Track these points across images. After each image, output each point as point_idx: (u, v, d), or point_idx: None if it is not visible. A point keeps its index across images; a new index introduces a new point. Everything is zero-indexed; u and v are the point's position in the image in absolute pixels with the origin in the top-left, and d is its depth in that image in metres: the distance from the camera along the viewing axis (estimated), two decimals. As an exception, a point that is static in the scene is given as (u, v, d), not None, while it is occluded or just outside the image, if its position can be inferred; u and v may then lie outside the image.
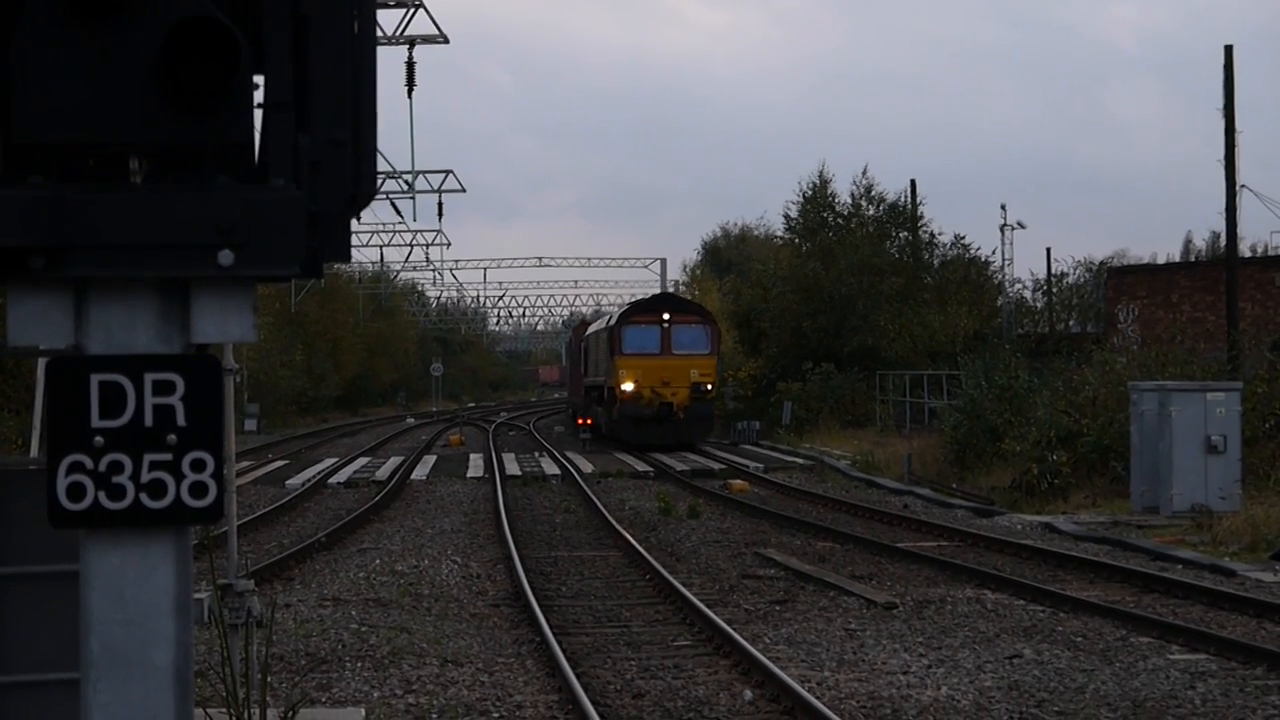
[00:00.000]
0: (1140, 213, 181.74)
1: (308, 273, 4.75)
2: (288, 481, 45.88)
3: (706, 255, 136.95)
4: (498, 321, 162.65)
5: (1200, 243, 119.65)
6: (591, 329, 73.68)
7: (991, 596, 23.73)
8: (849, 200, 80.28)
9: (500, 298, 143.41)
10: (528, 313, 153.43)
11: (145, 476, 4.54)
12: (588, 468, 50.82)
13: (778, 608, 23.17)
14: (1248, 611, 22.06)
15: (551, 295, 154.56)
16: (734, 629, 20.43)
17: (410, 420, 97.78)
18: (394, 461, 55.41)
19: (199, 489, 4.58)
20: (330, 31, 4.62)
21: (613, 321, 61.95)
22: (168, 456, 4.56)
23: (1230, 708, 16.22)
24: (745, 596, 24.30)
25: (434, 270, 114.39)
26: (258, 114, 4.73)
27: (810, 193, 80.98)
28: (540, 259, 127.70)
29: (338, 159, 4.64)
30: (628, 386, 58.56)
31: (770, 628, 21.40)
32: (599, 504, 37.65)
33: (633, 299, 74.32)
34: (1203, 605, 22.74)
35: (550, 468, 51.34)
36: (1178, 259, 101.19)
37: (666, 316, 59.69)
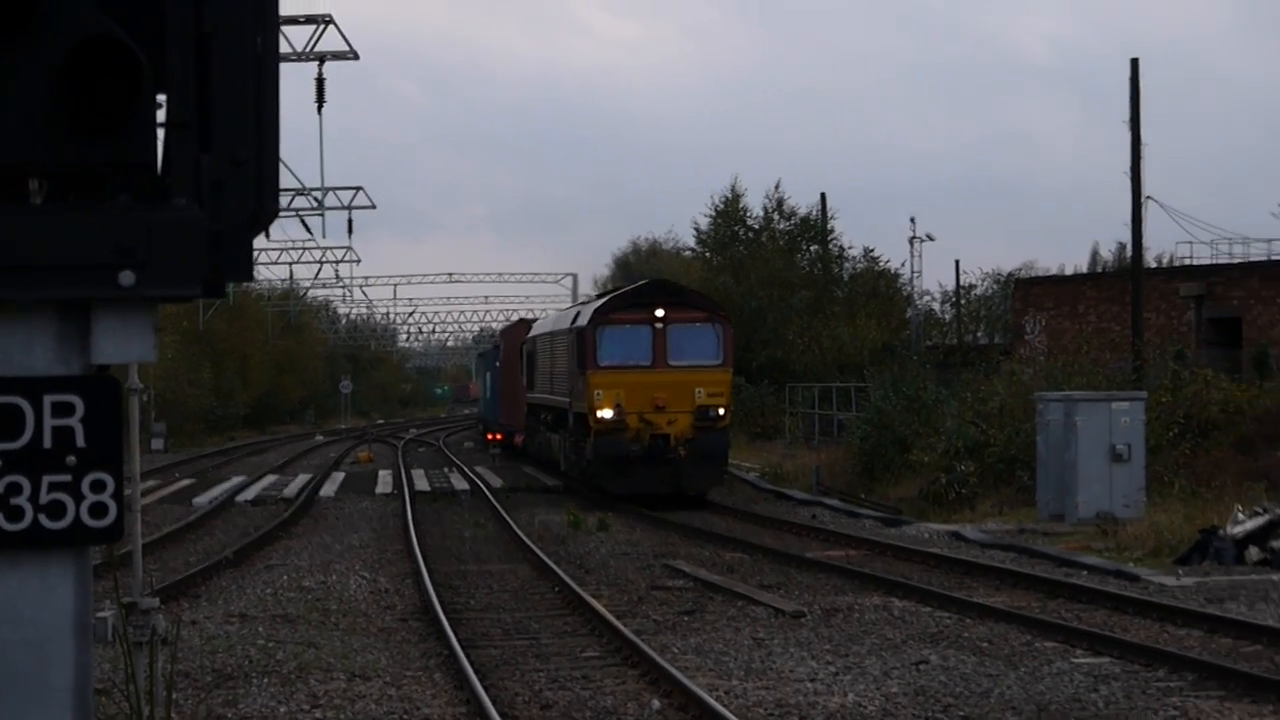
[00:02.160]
0: (1049, 224, 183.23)
1: (210, 292, 4.78)
2: (195, 500, 45.67)
3: (618, 270, 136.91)
4: (408, 338, 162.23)
5: (1107, 254, 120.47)
6: (540, 329, 54.72)
7: (899, 604, 23.97)
8: (760, 214, 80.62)
9: (411, 314, 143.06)
10: (438, 329, 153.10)
11: (44, 498, 4.53)
12: (497, 482, 50.82)
13: (686, 618, 23.33)
14: (1151, 615, 22.38)
15: (462, 311, 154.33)
16: (642, 639, 20.56)
17: (319, 438, 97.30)
18: (302, 479, 55.20)
19: (99, 509, 4.60)
20: (233, 49, 4.62)
21: (581, 320, 42.64)
22: (67, 478, 4.57)
23: (1133, 710, 16.48)
24: (654, 607, 24.45)
25: (344, 287, 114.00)
26: (160, 133, 4.78)
27: (722, 206, 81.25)
28: (451, 274, 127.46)
29: (240, 177, 4.66)
30: (605, 413, 40.32)
31: (679, 638, 21.55)
32: (508, 518, 37.71)
33: (610, 290, 50.64)
34: (1106, 610, 23.05)
35: (460, 483, 51.29)
36: (1085, 270, 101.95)
37: (660, 313, 40.84)
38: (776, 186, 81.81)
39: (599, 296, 48.99)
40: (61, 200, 4.56)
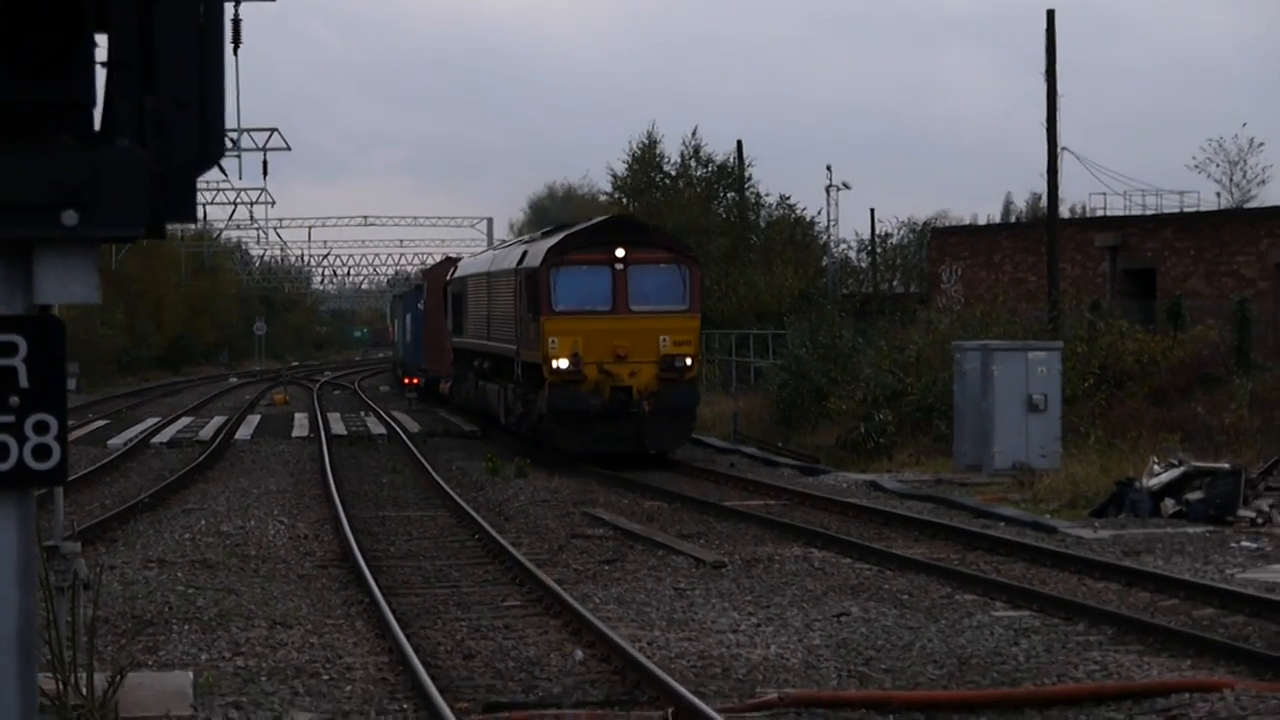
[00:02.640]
0: (963, 174, 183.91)
1: (152, 233, 4.69)
2: (109, 441, 45.35)
3: (533, 214, 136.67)
4: (322, 281, 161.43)
5: (1020, 204, 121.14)
6: (471, 268, 50.63)
7: (819, 554, 23.97)
8: (677, 161, 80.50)
9: (325, 256, 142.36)
10: (353, 272, 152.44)
11: (-15, 438, 4.46)
12: (414, 427, 50.62)
13: (607, 567, 23.26)
14: (1069, 568, 22.45)
15: (377, 254, 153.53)
16: (564, 589, 20.48)
17: (233, 379, 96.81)
18: (217, 421, 54.85)
19: (42, 451, 4.52)
20: None
21: (531, 259, 38.97)
22: (10, 419, 4.49)
23: (1053, 663, 16.52)
24: (574, 556, 24.37)
25: (258, 229, 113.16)
26: (101, 74, 4.66)
27: (639, 153, 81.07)
28: (366, 218, 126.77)
29: (183, 119, 4.58)
30: (561, 363, 36.72)
31: (600, 587, 21.48)
32: (426, 464, 37.56)
33: (563, 226, 43.81)
34: (1025, 562, 23.11)
35: (376, 427, 51.10)
36: (998, 220, 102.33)
37: (620, 253, 37.28)
38: (694, 134, 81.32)
39: (548, 233, 42.87)
40: (2, 140, 4.46)
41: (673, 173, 79.96)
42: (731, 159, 79.88)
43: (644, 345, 36.82)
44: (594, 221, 40.60)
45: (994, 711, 14.73)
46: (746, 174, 79.24)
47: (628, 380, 36.74)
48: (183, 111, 4.62)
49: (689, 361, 37.05)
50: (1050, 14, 49.38)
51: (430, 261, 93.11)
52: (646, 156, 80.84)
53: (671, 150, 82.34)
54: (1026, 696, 15.11)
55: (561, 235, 38.91)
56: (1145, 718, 14.42)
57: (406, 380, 70.65)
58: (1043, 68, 49.26)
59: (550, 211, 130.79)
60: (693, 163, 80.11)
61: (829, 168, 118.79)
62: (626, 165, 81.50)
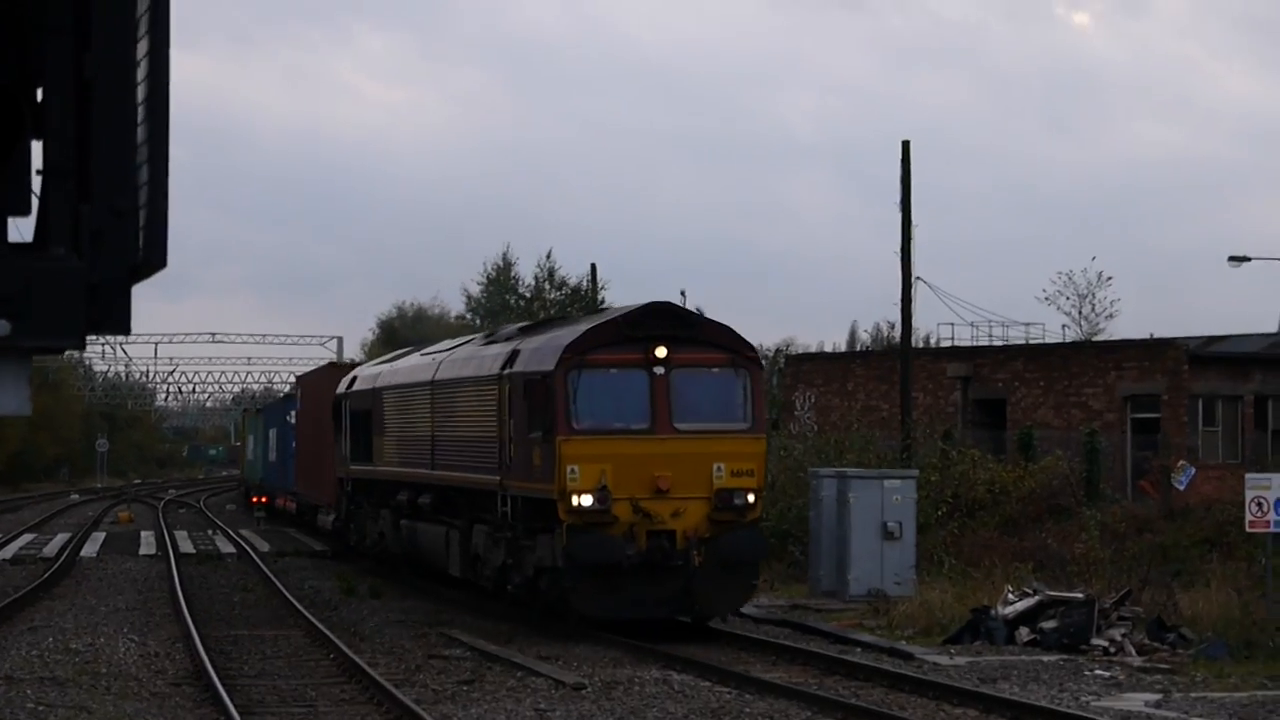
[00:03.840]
0: (810, 301, 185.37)
1: (81, 344, 4.69)
2: (-50, 557, 44.54)
3: (383, 334, 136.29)
4: (166, 397, 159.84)
5: (864, 333, 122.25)
6: (399, 376, 38.69)
7: (678, 677, 23.97)
8: (532, 283, 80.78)
9: (171, 373, 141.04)
10: (198, 389, 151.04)
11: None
12: (264, 546, 50.16)
13: (466, 687, 23.13)
14: (927, 694, 22.60)
15: (223, 372, 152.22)
16: (423, 709, 20.37)
17: (74, 496, 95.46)
18: (61, 538, 54.09)
19: None
20: (115, 96, 4.53)
21: (537, 360, 29.01)
22: None
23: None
24: (432, 676, 24.21)
25: (103, 345, 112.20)
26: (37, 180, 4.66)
27: (494, 274, 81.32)
28: (214, 335, 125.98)
29: (121, 228, 4.57)
30: (583, 499, 27.50)
31: (460, 708, 21.36)
32: (278, 583, 37.21)
33: (580, 317, 37.70)
34: (884, 687, 23.24)
35: (225, 546, 50.58)
36: (844, 348, 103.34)
37: (661, 352, 28.01)
38: (548, 256, 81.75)
39: (536, 326, 33.66)
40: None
41: (527, 295, 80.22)
42: (585, 281, 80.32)
43: (692, 476, 27.66)
44: (625, 310, 29.70)
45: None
46: (600, 297, 79.64)
47: (670, 522, 27.52)
48: (120, 220, 4.59)
49: (751, 498, 27.90)
50: (905, 144, 50.20)
51: (281, 379, 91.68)
52: (501, 279, 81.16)
53: (526, 273, 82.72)
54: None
55: (582, 329, 28.90)
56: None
57: (254, 499, 70.03)
58: (897, 198, 50.03)
59: (400, 331, 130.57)
60: (547, 285, 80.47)
61: (683, 293, 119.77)
62: (481, 286, 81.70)
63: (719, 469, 27.81)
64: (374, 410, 39.51)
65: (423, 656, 26.26)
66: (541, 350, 29.07)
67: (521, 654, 26.32)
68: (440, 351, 36.73)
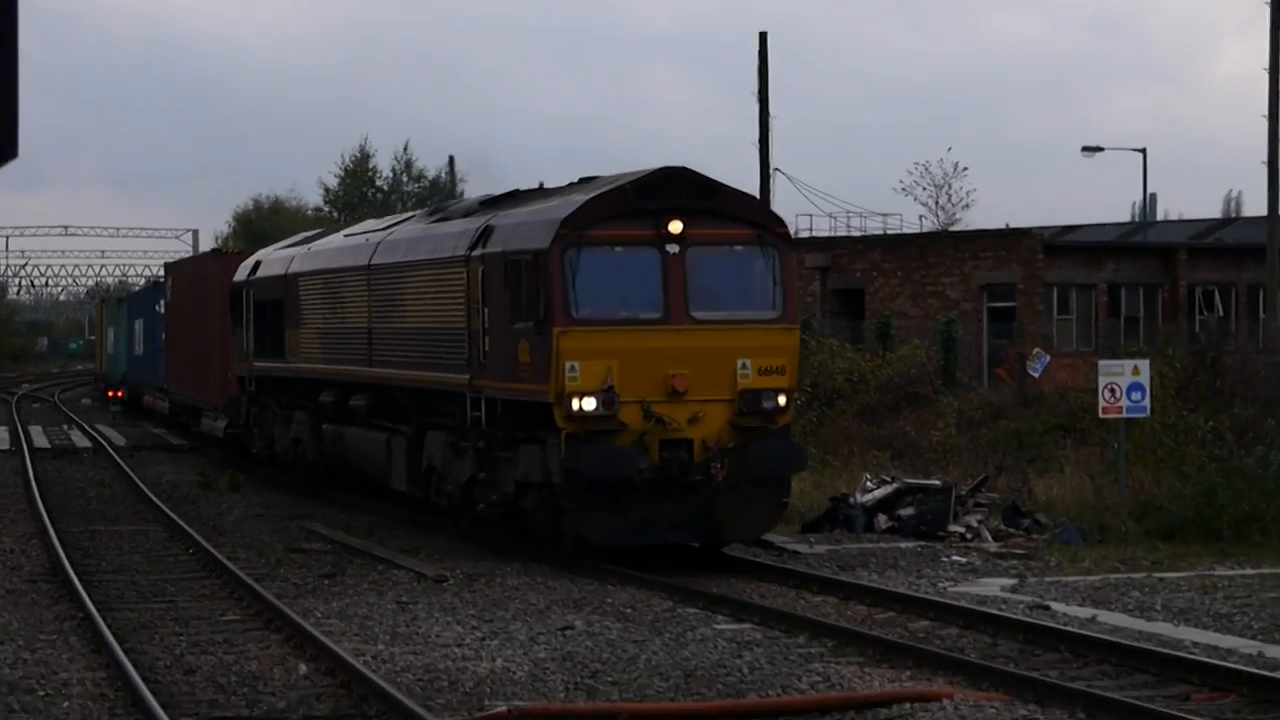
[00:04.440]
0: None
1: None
2: None
3: (239, 227, 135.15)
4: (19, 291, 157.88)
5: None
6: (323, 260, 33.71)
7: (540, 569, 24.03)
8: (390, 175, 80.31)
9: (23, 267, 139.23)
10: (51, 282, 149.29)
11: None
12: (120, 440, 49.74)
13: (327, 581, 23.09)
14: (788, 582, 22.80)
15: (76, 265, 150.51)
16: (284, 603, 20.31)
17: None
18: (-88, 434, 53.36)
19: None
20: None
21: (525, 237, 24.52)
22: None
23: (777, 675, 16.76)
24: (294, 570, 24.15)
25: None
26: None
27: (351, 166, 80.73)
28: (66, 228, 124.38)
29: None
30: (585, 403, 23.30)
31: (321, 601, 21.30)
32: (135, 477, 36.93)
33: (580, 182, 26.59)
34: (743, 577, 23.38)
35: (81, 440, 50.11)
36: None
37: (676, 227, 23.72)
38: (405, 148, 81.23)
39: (525, 194, 27.51)
40: None
41: (385, 187, 79.72)
42: (444, 174, 79.91)
43: (713, 374, 23.62)
44: (632, 176, 24.43)
45: (722, 722, 14.92)
46: (459, 189, 79.28)
47: (686, 430, 23.51)
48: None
49: (782, 400, 23.93)
50: (763, 36, 50.30)
51: (136, 272, 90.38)
52: (359, 170, 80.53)
53: (384, 165, 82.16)
54: (752, 708, 15.33)
55: (581, 199, 24.16)
56: (869, 727, 14.72)
57: (111, 394, 69.31)
58: (754, 88, 50.14)
59: (257, 224, 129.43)
60: (405, 178, 79.97)
61: (541, 184, 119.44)
62: (339, 179, 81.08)
63: (744, 366, 23.74)
64: (287, 299, 34.90)
65: (283, 550, 26.18)
66: (529, 225, 24.55)
67: (383, 547, 26.29)
68: (374, 231, 32.25)
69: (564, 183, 26.81)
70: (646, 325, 23.60)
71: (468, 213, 27.83)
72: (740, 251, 24.16)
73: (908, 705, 15.25)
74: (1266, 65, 47.16)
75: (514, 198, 27.27)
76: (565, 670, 17.05)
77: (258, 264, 38.06)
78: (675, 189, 23.86)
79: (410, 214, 33.36)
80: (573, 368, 23.19)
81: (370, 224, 34.95)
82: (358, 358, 30.72)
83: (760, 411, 23.67)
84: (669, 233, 23.60)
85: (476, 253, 25.44)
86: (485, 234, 25.53)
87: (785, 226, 24.89)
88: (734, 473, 23.44)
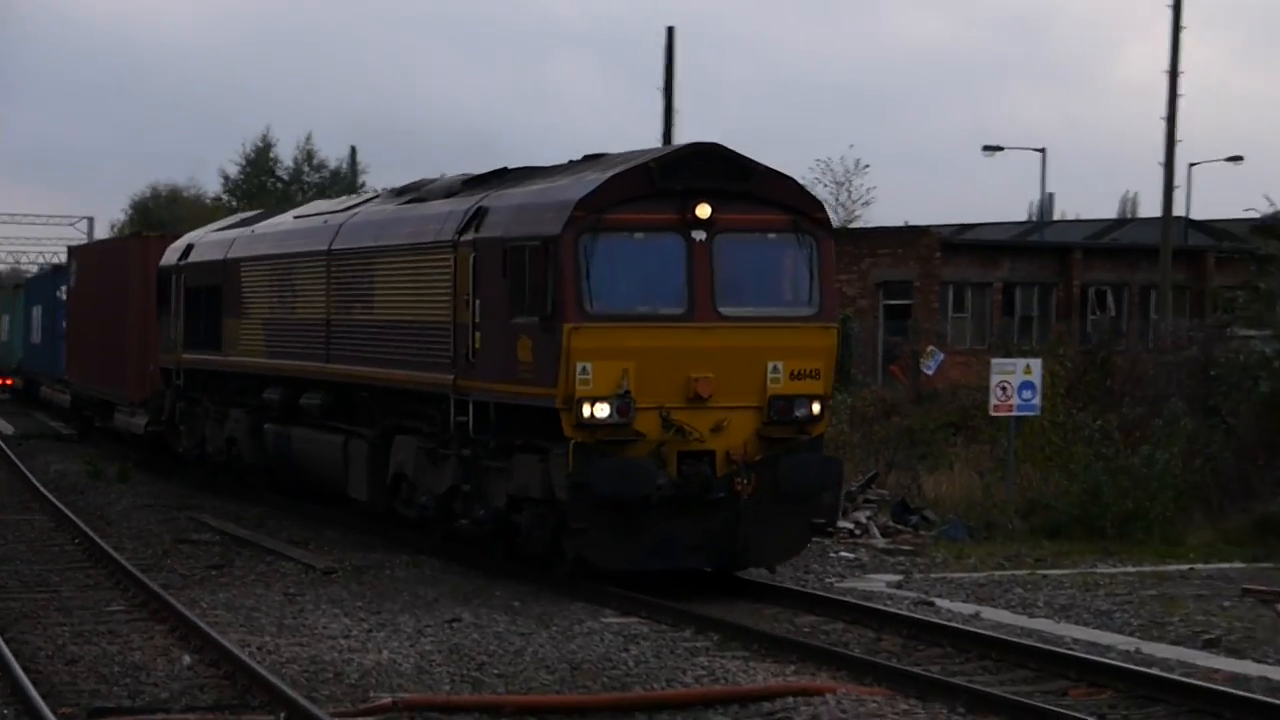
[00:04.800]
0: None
1: None
2: None
3: (136, 214, 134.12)
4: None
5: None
6: (268, 244, 30.58)
7: (430, 562, 24.02)
8: (291, 165, 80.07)
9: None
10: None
11: None
12: (9, 429, 49.34)
13: (214, 572, 23.02)
14: (676, 577, 22.86)
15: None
16: (170, 594, 20.24)
17: None
18: None
19: None
20: None
21: (531, 221, 21.51)
22: None
23: (663, 668, 16.85)
24: (180, 561, 24.06)
25: None
26: None
27: (253, 155, 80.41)
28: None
29: None
30: (599, 409, 20.44)
31: (208, 592, 21.24)
32: (21, 466, 36.64)
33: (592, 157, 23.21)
34: (633, 571, 23.40)
35: (-33, 429, 49.66)
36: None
37: (705, 211, 20.90)
38: (308, 139, 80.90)
39: (520, 173, 24.44)
40: None
41: (286, 177, 79.46)
42: (344, 164, 79.75)
43: (740, 378, 20.89)
44: (655, 153, 21.70)
45: (606, 715, 14.99)
46: (360, 180, 79.13)
47: (709, 440, 20.78)
48: None
49: (816, 408, 21.20)
50: (670, 30, 50.45)
51: (29, 259, 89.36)
52: (260, 159, 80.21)
53: (286, 155, 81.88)
54: (637, 701, 15.42)
55: (598, 178, 21.14)
56: (752, 720, 14.84)
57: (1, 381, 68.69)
58: (660, 82, 50.28)
59: (154, 212, 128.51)
60: (306, 167, 79.75)
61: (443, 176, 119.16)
62: (240, 167, 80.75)
63: (775, 369, 20.98)
64: (225, 286, 31.49)
65: (171, 541, 26.07)
66: (535, 207, 21.59)
67: (271, 539, 26.23)
68: (332, 213, 29.01)
69: (550, 163, 24.29)
70: (668, 322, 20.79)
71: (449, 193, 24.86)
72: (774, 240, 21.35)
73: (791, 699, 15.39)
74: (1166, 69, 47.62)
75: (502, 177, 24.38)
76: (451, 662, 17.10)
77: (190, 247, 34.52)
78: (705, 168, 20.97)
79: (371, 194, 29.88)
80: (584, 369, 20.33)
81: (323, 205, 32.26)
82: (312, 352, 27.53)
83: (792, 421, 20.98)
84: (696, 217, 20.77)
85: (467, 238, 22.48)
86: (478, 216, 22.55)
87: (824, 211, 22.09)
88: (761, 489, 20.75)
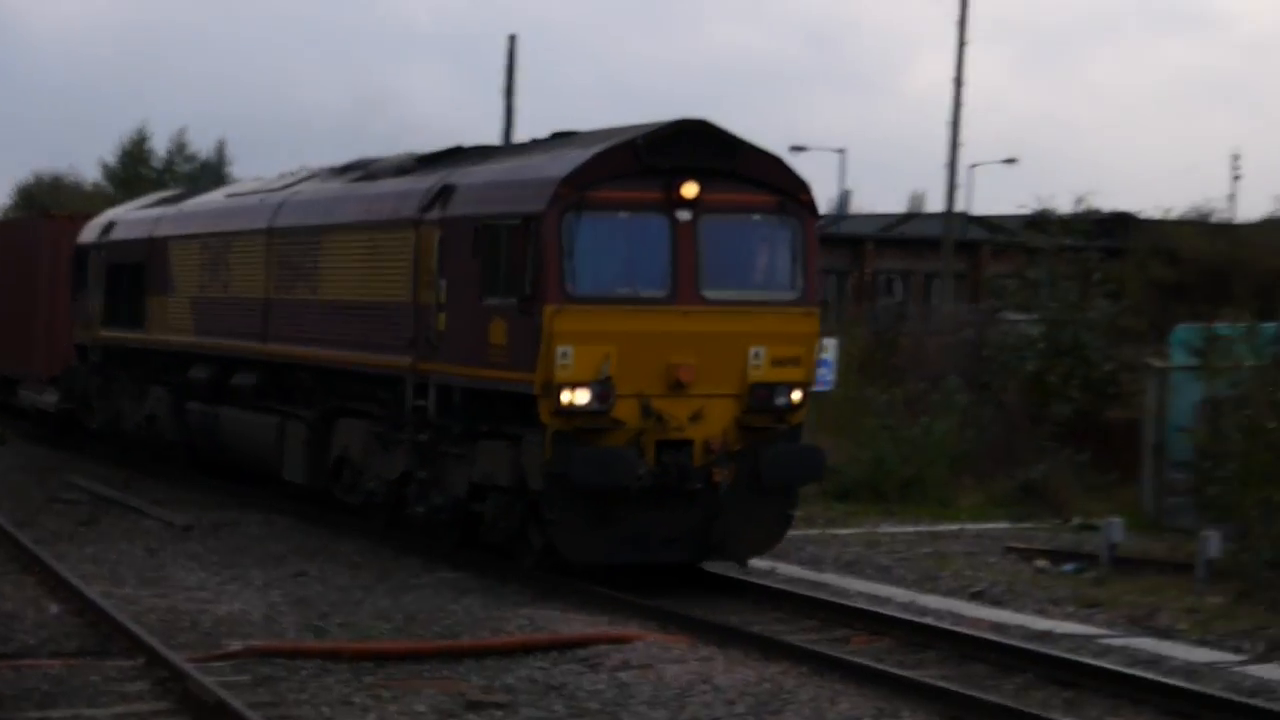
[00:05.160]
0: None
1: None
2: None
3: (20, 199, 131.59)
4: None
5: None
6: (202, 221, 28.15)
7: (281, 520, 23.80)
8: (165, 156, 79.11)
9: None
10: None
11: None
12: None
13: (83, 529, 22.67)
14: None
15: None
16: (40, 548, 19.93)
17: None
18: None
19: None
20: None
21: (508, 197, 18.99)
22: None
23: (489, 619, 16.82)
24: (52, 519, 23.65)
25: None
26: None
27: (129, 146, 79.36)
28: None
29: None
30: (579, 395, 17.90)
31: (76, 547, 20.91)
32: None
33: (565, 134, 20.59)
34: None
35: None
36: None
37: (692, 190, 18.34)
38: (181, 133, 79.84)
39: (483, 151, 22.11)
40: None
41: (159, 168, 78.45)
42: (213, 157, 78.90)
43: (721, 364, 18.42)
44: (641, 130, 18.69)
45: (437, 660, 14.95)
46: (227, 170, 78.27)
47: (688, 428, 18.34)
48: None
49: (796, 395, 18.75)
50: (512, 38, 50.17)
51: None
52: (136, 150, 79.11)
53: (160, 147, 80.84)
54: (466, 648, 15.37)
55: (581, 155, 18.54)
56: (568, 666, 14.84)
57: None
58: (503, 85, 50.03)
59: (39, 197, 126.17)
60: (178, 158, 78.78)
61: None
62: (116, 158, 79.64)
63: (756, 355, 18.51)
64: (150, 263, 28.84)
65: (43, 500, 25.61)
66: (513, 184, 19.12)
67: (137, 498, 25.84)
68: (270, 191, 26.19)
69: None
70: (650, 305, 18.26)
71: (402, 170, 22.27)
72: (759, 221, 18.84)
73: (603, 646, 15.42)
74: (952, 78, 48.13)
75: (457, 155, 21.83)
76: (297, 612, 16.96)
77: (111, 225, 31.62)
78: (692, 145, 18.45)
79: (306, 173, 26.73)
80: (565, 354, 17.77)
81: (255, 183, 29.13)
82: (248, 331, 24.93)
83: (771, 408, 18.57)
84: (682, 196, 18.24)
85: (432, 215, 19.94)
86: (444, 194, 20.00)
87: (810, 192, 19.15)
88: (740, 481, 18.46)
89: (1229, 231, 45.77)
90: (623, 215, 18.22)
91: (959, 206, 51.77)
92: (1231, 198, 71.56)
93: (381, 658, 14.98)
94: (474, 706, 13.24)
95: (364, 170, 23.68)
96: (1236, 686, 14.45)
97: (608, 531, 18.11)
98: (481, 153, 21.58)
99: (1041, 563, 21.93)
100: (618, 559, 18.32)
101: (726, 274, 18.61)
